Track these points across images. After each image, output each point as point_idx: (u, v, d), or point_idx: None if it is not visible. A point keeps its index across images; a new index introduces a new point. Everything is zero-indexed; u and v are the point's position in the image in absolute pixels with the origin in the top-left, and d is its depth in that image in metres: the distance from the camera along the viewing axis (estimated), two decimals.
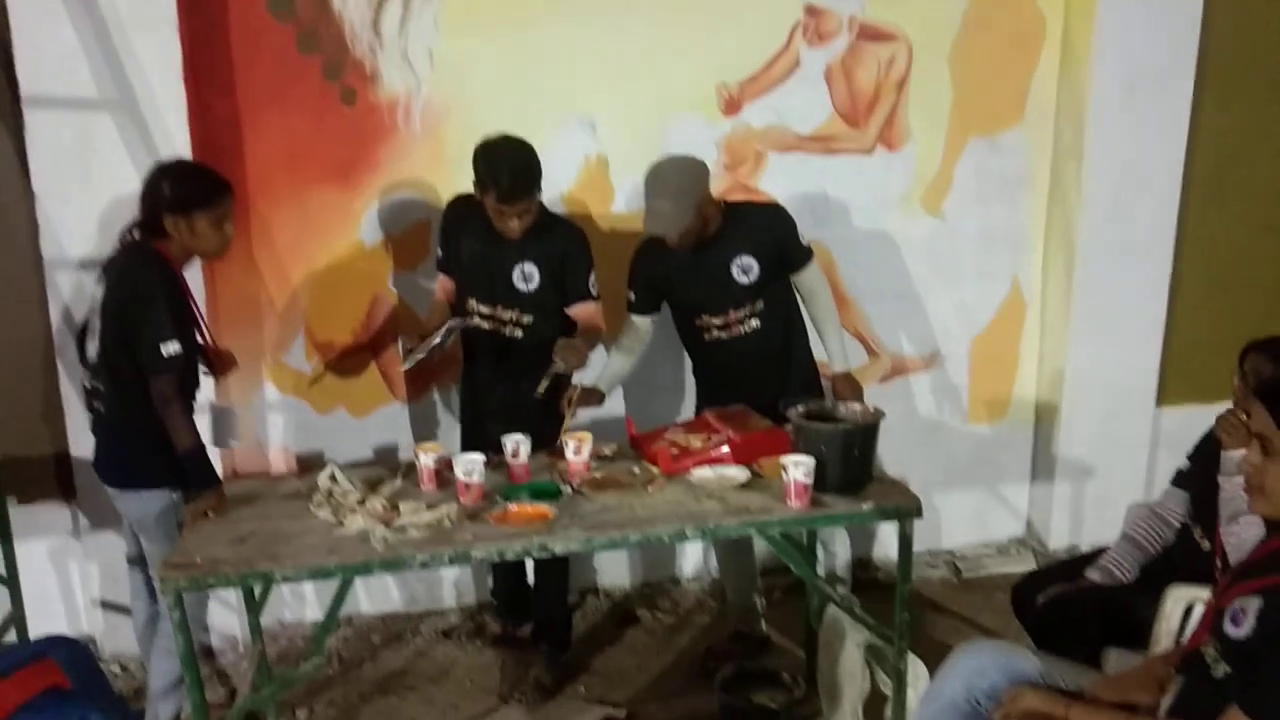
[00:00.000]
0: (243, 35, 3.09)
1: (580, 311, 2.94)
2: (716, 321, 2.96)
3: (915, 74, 3.52)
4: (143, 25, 2.88)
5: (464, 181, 3.23)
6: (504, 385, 2.96)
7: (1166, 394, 3.86)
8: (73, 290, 3.01)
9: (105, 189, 2.95)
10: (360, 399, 3.42)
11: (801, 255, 2.98)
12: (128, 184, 2.92)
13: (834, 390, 2.98)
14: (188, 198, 2.50)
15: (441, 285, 3.03)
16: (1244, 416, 2.20)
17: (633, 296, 3.04)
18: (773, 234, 2.94)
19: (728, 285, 2.91)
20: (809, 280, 3.00)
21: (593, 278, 2.94)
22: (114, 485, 2.63)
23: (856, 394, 2.95)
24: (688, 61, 3.36)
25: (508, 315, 2.92)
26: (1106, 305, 3.68)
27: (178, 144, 2.95)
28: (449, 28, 3.19)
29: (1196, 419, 3.61)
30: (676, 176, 2.81)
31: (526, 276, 2.88)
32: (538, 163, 2.76)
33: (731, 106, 3.44)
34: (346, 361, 3.39)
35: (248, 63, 3.11)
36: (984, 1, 3.50)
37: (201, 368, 2.75)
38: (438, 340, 2.78)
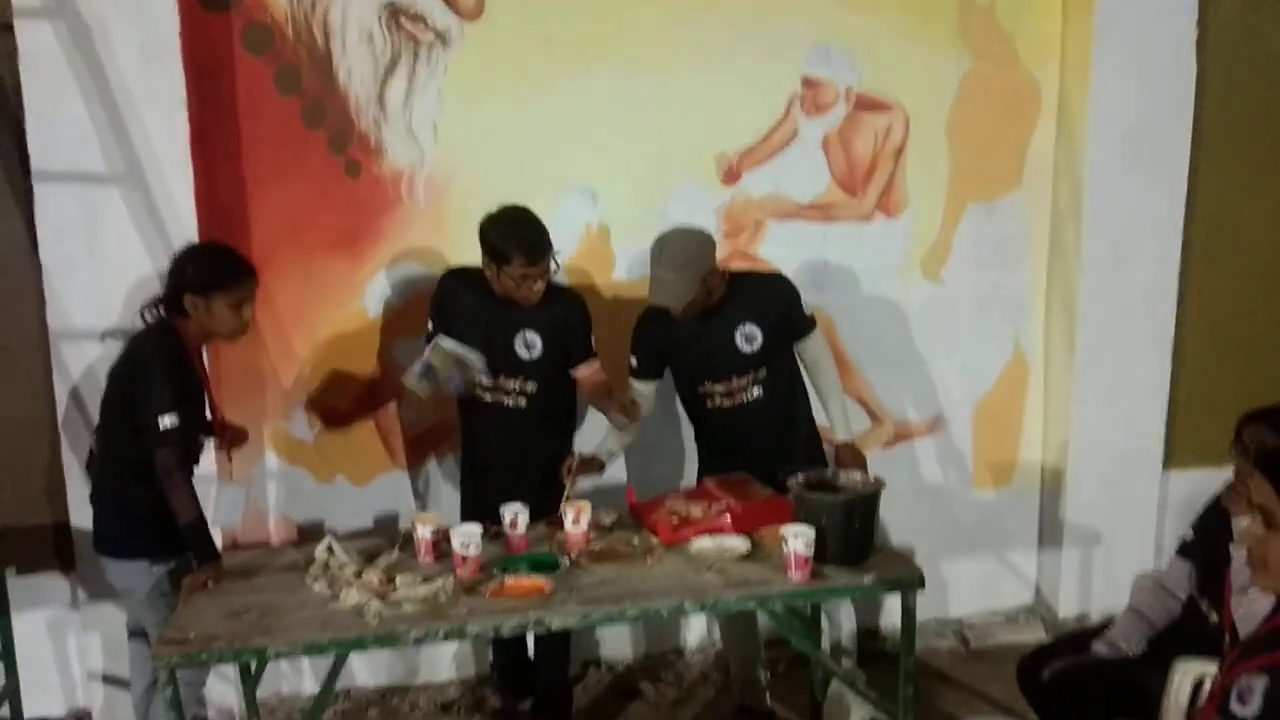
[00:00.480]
0: (250, 110, 3.15)
1: (586, 371, 2.98)
2: (719, 389, 2.96)
3: (912, 142, 3.56)
4: (152, 102, 2.94)
5: (467, 251, 3.29)
6: (507, 454, 2.95)
7: (1173, 457, 3.82)
8: (77, 361, 3.03)
9: (111, 262, 2.99)
10: (361, 467, 3.41)
11: (805, 324, 2.99)
12: (134, 257, 2.99)
13: (837, 459, 2.97)
14: (209, 279, 2.56)
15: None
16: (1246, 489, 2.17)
17: (635, 363, 3.04)
18: (777, 303, 2.95)
19: (731, 353, 2.91)
20: (812, 349, 3.01)
21: (593, 336, 2.99)
22: (102, 553, 2.65)
23: (859, 463, 2.94)
24: (687, 131, 3.41)
25: (511, 385, 2.93)
26: (1109, 368, 3.67)
27: (184, 217, 2.99)
28: (452, 100, 3.25)
29: (1205, 483, 3.58)
30: (681, 247, 2.83)
31: (529, 345, 2.90)
32: (547, 230, 2.82)
33: (731, 176, 3.48)
34: (345, 421, 3.40)
35: (254, 136, 3.16)
36: (979, 71, 3.56)
37: (211, 441, 2.78)
38: (443, 375, 2.79)
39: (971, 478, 3.85)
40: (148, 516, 2.53)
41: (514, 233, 2.75)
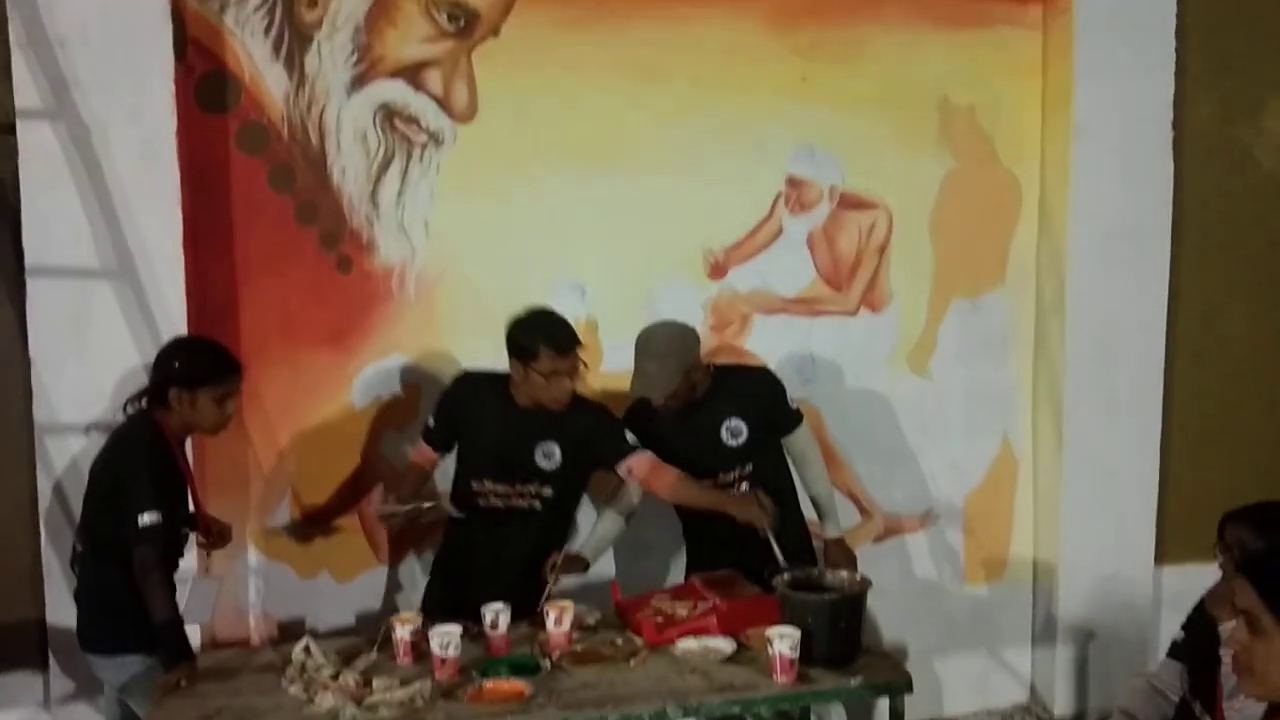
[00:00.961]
0: (243, 207, 3.20)
1: (636, 465, 2.80)
2: (706, 484, 2.95)
3: (896, 239, 3.62)
4: (147, 200, 2.99)
5: (455, 345, 3.32)
6: (503, 555, 2.86)
7: (1165, 553, 3.80)
8: (62, 457, 3.02)
9: (100, 356, 2.99)
10: (343, 563, 3.37)
11: (791, 419, 2.99)
12: (122, 352, 2.99)
13: (826, 556, 2.94)
14: (196, 374, 2.57)
15: (422, 453, 3.00)
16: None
17: None
18: (761, 398, 2.96)
19: (716, 448, 2.91)
20: (799, 443, 3.01)
21: (628, 434, 2.87)
22: (91, 652, 2.60)
23: (849, 561, 2.91)
24: (675, 228, 3.46)
25: (529, 490, 2.86)
26: (1098, 462, 3.66)
27: (174, 313, 3.01)
28: (444, 198, 3.31)
29: (1197, 577, 3.54)
30: (664, 340, 2.85)
31: (548, 454, 2.85)
32: None
33: (718, 271, 3.52)
34: (326, 519, 3.37)
35: (247, 233, 3.21)
36: (960, 170, 3.64)
37: (196, 537, 2.76)
38: (420, 515, 2.76)
39: (963, 573, 3.81)
40: (138, 610, 2.48)
41: (540, 328, 2.73)
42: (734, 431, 2.91)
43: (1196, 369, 3.77)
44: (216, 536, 2.80)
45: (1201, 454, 3.81)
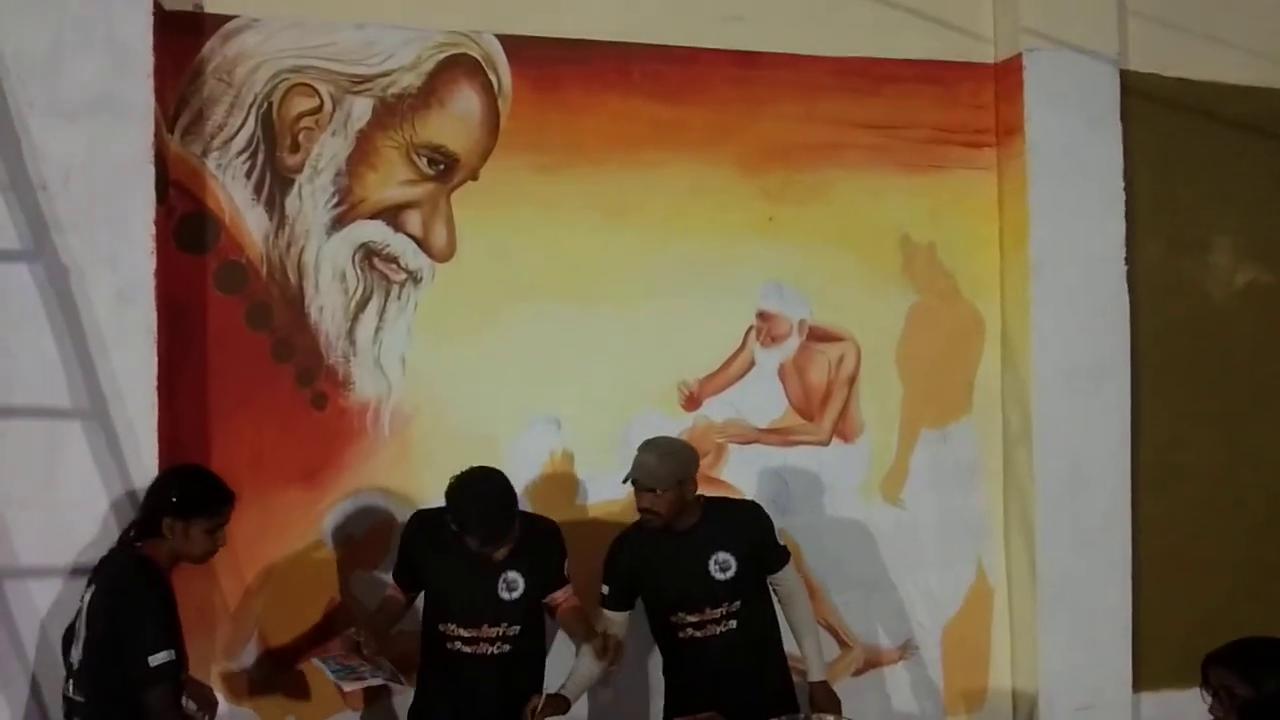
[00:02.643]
0: (219, 345, 3.20)
1: (562, 597, 2.93)
2: (692, 619, 2.91)
3: (865, 371, 3.70)
4: (123, 340, 2.96)
5: (429, 483, 3.29)
6: (480, 701, 2.80)
7: (1143, 679, 3.79)
8: (23, 604, 2.91)
9: (67, 497, 2.92)
10: (310, 708, 3.26)
11: (778, 556, 3.00)
12: (90, 493, 2.93)
13: (812, 700, 2.89)
14: (192, 504, 2.55)
15: (395, 589, 2.97)
16: None
17: (606, 590, 2.98)
18: (750, 531, 2.97)
19: (705, 581, 2.89)
20: (786, 582, 3.00)
21: (566, 563, 2.94)
22: None
23: (834, 705, 2.88)
24: (649, 361, 3.51)
25: (494, 633, 2.81)
26: (1072, 589, 3.68)
27: (145, 452, 2.96)
28: (421, 335, 3.33)
29: (1175, 704, 3.56)
30: (668, 443, 2.97)
31: (510, 585, 2.82)
32: (512, 495, 2.79)
33: (692, 402, 3.56)
34: (297, 658, 3.27)
35: (221, 370, 3.20)
36: (924, 304, 3.76)
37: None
38: (345, 684, 2.73)
39: (944, 706, 3.77)
40: None
41: (474, 510, 2.70)
42: (722, 565, 2.90)
43: (1162, 495, 3.84)
44: (202, 703, 2.69)
45: (1172, 579, 3.85)
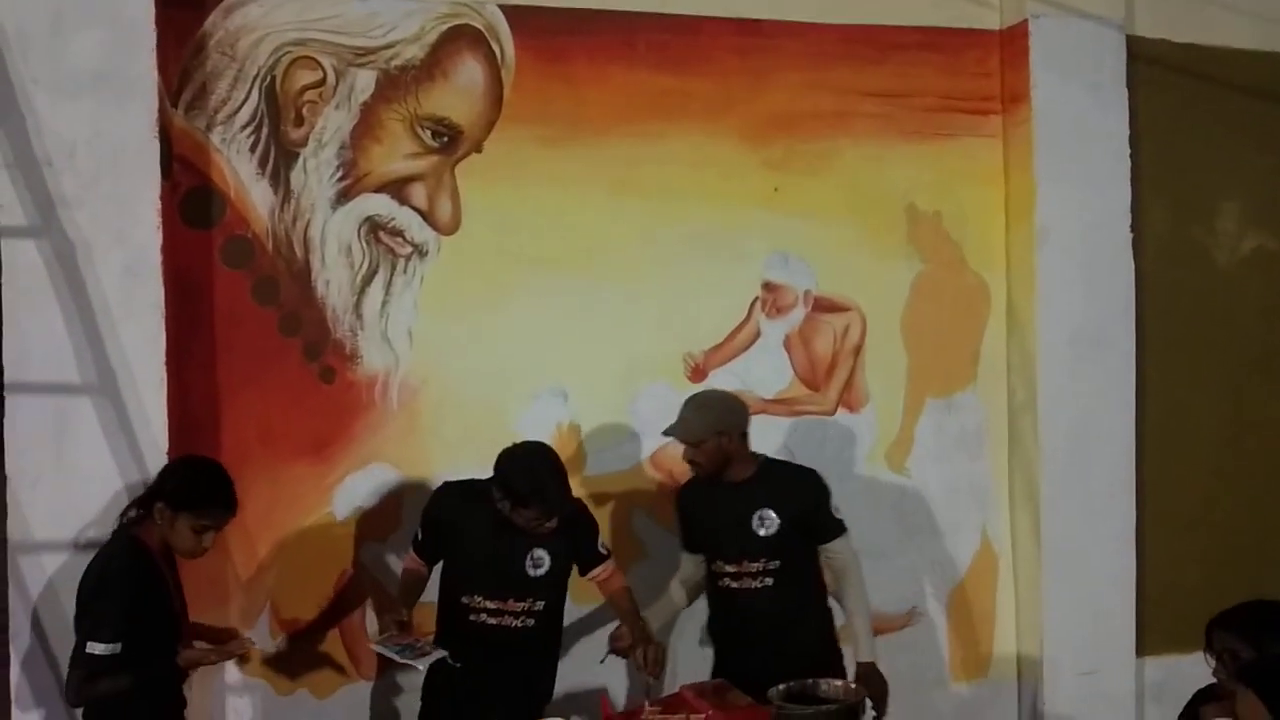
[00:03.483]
0: (227, 320, 3.21)
1: (604, 574, 2.95)
2: (730, 569, 2.96)
3: (870, 341, 3.70)
4: (130, 315, 2.98)
5: (438, 453, 3.32)
6: (502, 674, 2.80)
7: (1146, 644, 3.82)
8: (35, 575, 2.94)
9: (77, 472, 2.94)
10: (322, 679, 3.30)
11: (830, 528, 3.00)
12: (101, 468, 2.95)
13: (858, 677, 2.89)
14: (184, 497, 2.55)
15: (415, 560, 2.98)
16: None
17: (682, 536, 3.13)
18: (800, 497, 2.99)
19: (745, 534, 2.94)
20: (839, 555, 3.01)
21: (600, 538, 2.97)
22: None
23: (880, 686, 2.90)
24: (655, 333, 3.52)
25: (520, 606, 2.82)
26: (1076, 556, 3.70)
27: (155, 428, 2.98)
28: (428, 308, 3.34)
29: (1178, 668, 3.59)
30: (707, 396, 3.06)
31: (538, 562, 2.83)
32: (564, 468, 2.82)
33: (698, 374, 3.57)
34: (309, 630, 3.30)
35: (229, 345, 3.21)
36: (929, 273, 3.75)
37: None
38: (416, 662, 2.69)
39: (948, 671, 3.80)
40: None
41: (537, 482, 2.70)
42: (765, 522, 2.93)
43: (1166, 461, 3.85)
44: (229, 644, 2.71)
45: (1176, 545, 3.87)
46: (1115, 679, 3.76)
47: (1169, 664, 3.80)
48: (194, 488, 2.57)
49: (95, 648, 2.39)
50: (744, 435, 2.99)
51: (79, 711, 2.60)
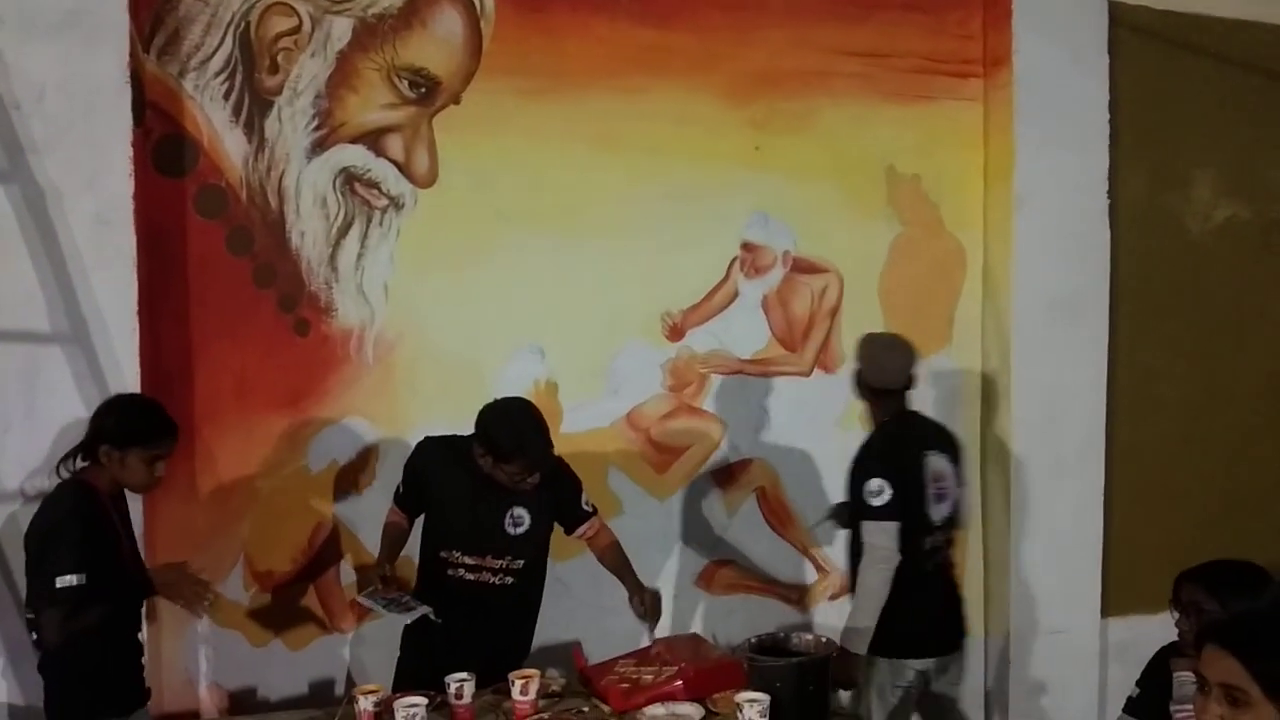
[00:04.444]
0: (200, 270, 3.17)
1: (589, 531, 2.94)
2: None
3: (847, 302, 3.72)
4: (102, 264, 2.94)
5: (412, 408, 3.31)
6: (479, 632, 2.79)
7: (1111, 604, 3.89)
8: (7, 523, 2.93)
9: (49, 421, 2.92)
10: (296, 631, 3.31)
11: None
12: (72, 416, 2.92)
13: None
14: (128, 432, 2.53)
15: (397, 513, 2.96)
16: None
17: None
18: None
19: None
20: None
21: (584, 496, 2.94)
22: None
23: (847, 673, 2.87)
24: (633, 291, 3.52)
25: (498, 564, 2.82)
26: (1045, 518, 3.76)
27: (127, 376, 2.96)
28: (404, 262, 3.31)
29: (1142, 628, 3.65)
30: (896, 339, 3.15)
31: (517, 521, 2.82)
32: (546, 424, 2.77)
33: (675, 333, 3.58)
34: (283, 582, 3.30)
35: (202, 296, 3.18)
36: (907, 236, 3.76)
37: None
38: (403, 616, 2.70)
39: None
40: (101, 673, 2.51)
41: (520, 436, 2.67)
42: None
43: (1137, 428, 3.90)
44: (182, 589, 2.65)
45: (1143, 509, 3.93)
46: (1081, 638, 3.83)
47: (1133, 624, 3.86)
48: (135, 421, 2.56)
49: (63, 580, 2.38)
50: (874, 390, 3.04)
51: (45, 669, 2.58)
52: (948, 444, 3.13)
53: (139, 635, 2.71)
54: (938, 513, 3.01)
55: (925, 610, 2.98)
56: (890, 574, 2.87)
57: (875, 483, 2.89)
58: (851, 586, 3.02)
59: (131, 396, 2.80)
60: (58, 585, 2.39)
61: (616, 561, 2.95)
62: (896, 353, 3.07)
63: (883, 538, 2.87)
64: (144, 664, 2.72)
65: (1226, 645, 1.52)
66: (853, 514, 3.01)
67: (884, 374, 3.04)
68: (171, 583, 2.59)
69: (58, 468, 2.59)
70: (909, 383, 3.06)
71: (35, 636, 2.55)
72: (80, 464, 2.57)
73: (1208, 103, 3.98)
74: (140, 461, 2.53)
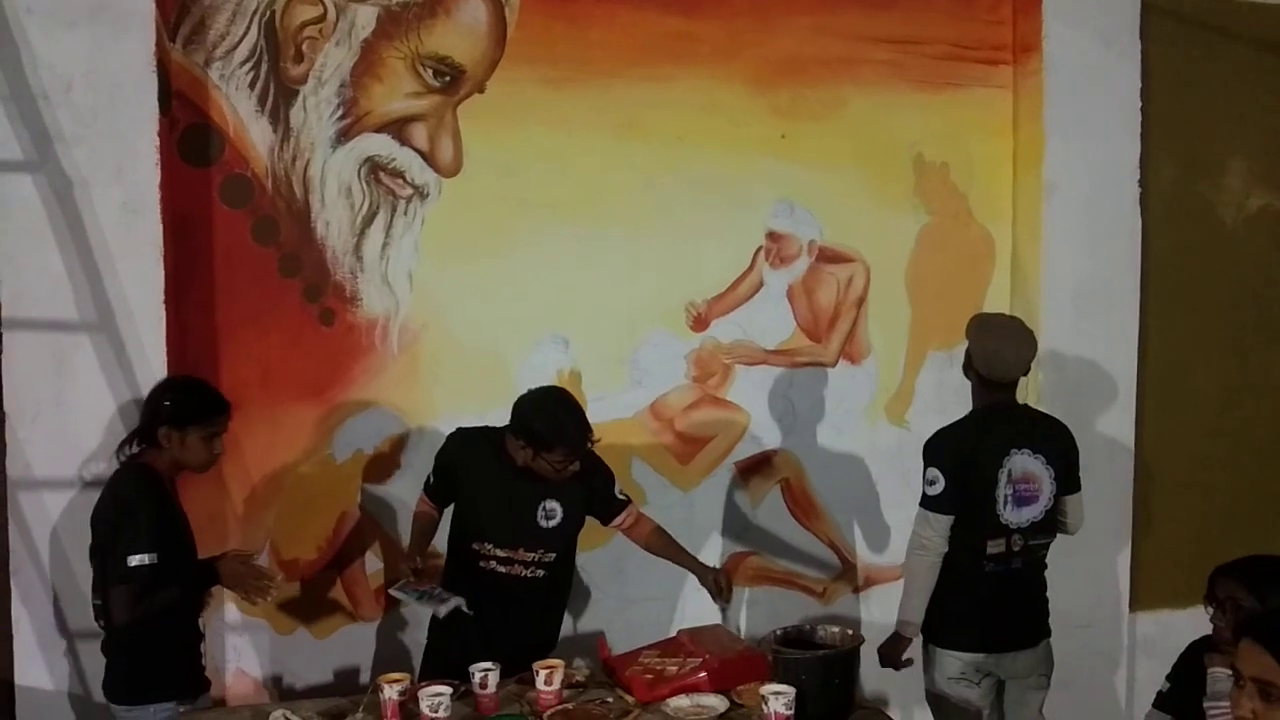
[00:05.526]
0: (226, 259, 3.18)
1: (626, 521, 2.91)
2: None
3: (874, 292, 3.68)
4: (129, 253, 2.96)
5: (438, 397, 3.31)
6: (513, 624, 2.78)
7: (1139, 599, 3.85)
8: (35, 512, 2.95)
9: (77, 409, 2.95)
10: (322, 620, 3.32)
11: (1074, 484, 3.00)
12: (100, 406, 2.95)
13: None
14: (186, 413, 2.60)
15: (427, 503, 2.94)
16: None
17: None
18: (1068, 450, 2.99)
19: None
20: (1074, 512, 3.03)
21: (617, 486, 2.93)
22: (115, 701, 2.59)
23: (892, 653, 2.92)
24: (658, 281, 3.50)
25: (530, 556, 2.81)
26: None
27: (154, 364, 2.97)
28: (428, 251, 3.31)
29: (1170, 624, 3.60)
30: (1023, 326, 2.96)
31: (549, 514, 2.81)
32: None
33: (700, 323, 3.56)
34: (309, 570, 3.32)
35: (229, 285, 3.19)
36: (935, 225, 3.72)
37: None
38: (436, 609, 2.68)
39: None
40: (165, 656, 2.57)
41: (559, 425, 2.66)
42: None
43: (1166, 420, 3.85)
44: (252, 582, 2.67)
45: (1172, 503, 3.88)
46: (1108, 633, 3.79)
47: (1160, 619, 3.83)
48: (191, 401, 2.63)
49: (136, 559, 2.44)
50: (981, 378, 2.90)
51: (99, 645, 2.65)
52: (1049, 445, 2.93)
53: (199, 621, 2.75)
54: (1018, 516, 2.87)
55: (980, 609, 2.87)
56: (931, 563, 2.82)
57: (931, 472, 2.83)
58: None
59: (182, 378, 2.87)
60: (130, 564, 2.44)
61: (665, 545, 2.92)
62: (1016, 342, 2.87)
63: (925, 528, 2.82)
64: (203, 651, 2.77)
65: (1263, 641, 1.52)
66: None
67: (999, 365, 2.85)
68: (237, 574, 2.62)
69: (116, 453, 2.65)
70: (1023, 373, 2.93)
71: (102, 621, 2.59)
72: (136, 448, 2.63)
73: (1241, 89, 3.91)
74: (200, 440, 2.60)
